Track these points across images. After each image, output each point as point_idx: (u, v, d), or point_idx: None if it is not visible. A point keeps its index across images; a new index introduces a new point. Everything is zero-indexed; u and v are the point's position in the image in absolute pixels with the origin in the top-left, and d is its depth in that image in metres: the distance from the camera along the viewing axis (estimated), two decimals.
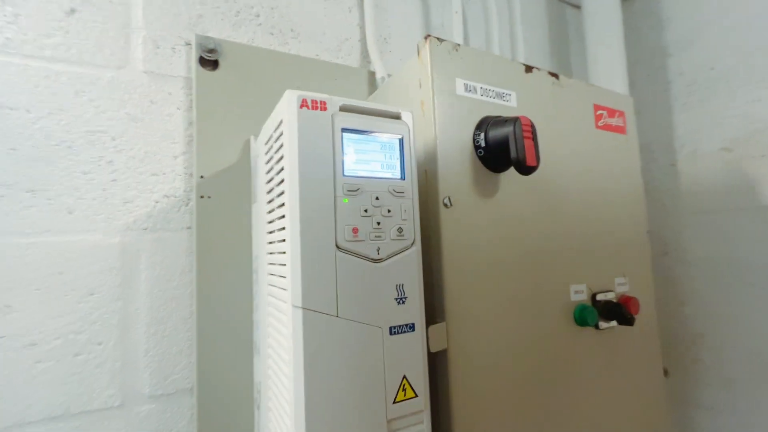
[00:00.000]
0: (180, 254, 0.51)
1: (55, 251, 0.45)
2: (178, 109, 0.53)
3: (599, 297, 0.54)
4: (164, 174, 0.52)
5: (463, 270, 0.43)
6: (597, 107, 0.60)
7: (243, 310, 0.52)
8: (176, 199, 0.52)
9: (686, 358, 0.86)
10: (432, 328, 0.40)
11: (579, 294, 0.52)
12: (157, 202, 0.51)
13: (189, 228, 0.52)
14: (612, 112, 0.62)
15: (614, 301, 0.55)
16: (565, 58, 0.98)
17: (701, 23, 0.85)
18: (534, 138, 0.43)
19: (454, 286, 0.42)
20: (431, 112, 0.44)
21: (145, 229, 0.50)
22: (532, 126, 0.43)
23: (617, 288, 0.57)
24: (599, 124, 0.60)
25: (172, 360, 0.50)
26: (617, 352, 0.56)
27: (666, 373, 0.74)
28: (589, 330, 0.53)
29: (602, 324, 0.53)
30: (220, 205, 0.53)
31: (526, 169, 0.42)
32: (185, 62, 0.54)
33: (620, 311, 0.53)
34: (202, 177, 0.52)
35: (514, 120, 0.43)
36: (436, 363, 0.41)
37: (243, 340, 0.51)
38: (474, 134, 0.46)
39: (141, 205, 0.50)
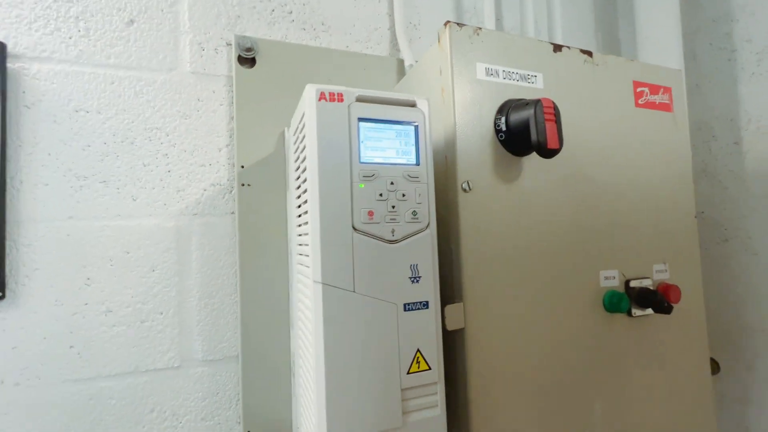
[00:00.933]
0: (225, 237, 0.57)
1: (123, 233, 0.53)
2: (221, 105, 0.59)
3: (633, 284, 0.52)
4: (210, 165, 0.58)
5: (482, 253, 0.44)
6: (637, 84, 0.56)
7: (281, 288, 0.57)
8: (221, 187, 0.58)
9: (746, 353, 0.80)
10: (449, 307, 0.41)
11: (610, 280, 0.51)
12: (204, 190, 0.57)
13: (232, 213, 0.58)
14: (655, 89, 0.58)
15: (650, 288, 0.53)
16: (612, 34, 0.92)
17: None
18: (557, 120, 0.42)
19: (472, 268, 0.43)
20: (451, 99, 0.44)
21: (195, 214, 0.56)
22: (555, 107, 0.42)
23: (655, 275, 0.54)
24: (640, 102, 0.56)
25: (221, 330, 0.56)
26: (654, 342, 0.54)
27: (717, 368, 0.69)
28: (621, 317, 0.51)
29: (635, 311, 0.51)
30: (259, 192, 0.58)
31: (547, 152, 0.42)
32: (226, 61, 0.59)
33: (656, 298, 0.50)
34: (242, 167, 0.57)
35: (536, 102, 0.42)
36: (455, 341, 0.43)
37: (281, 315, 0.57)
38: (495, 118, 0.46)
39: (191, 192, 0.56)
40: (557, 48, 0.51)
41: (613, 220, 0.52)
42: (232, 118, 0.59)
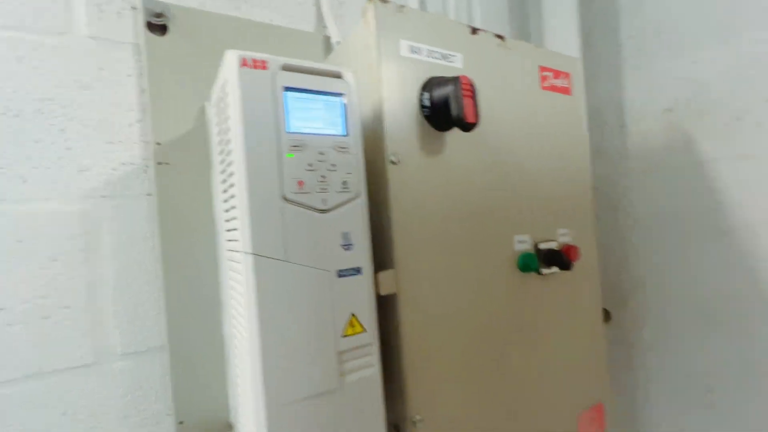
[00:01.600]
0: (141, 220, 0.53)
1: (12, 219, 0.46)
2: (129, 76, 0.53)
3: (542, 246, 0.59)
4: (120, 142, 0.52)
5: (410, 222, 0.46)
6: (542, 69, 0.63)
7: (208, 271, 0.54)
8: (134, 166, 0.53)
9: (629, 303, 0.95)
10: (382, 273, 0.43)
11: (522, 244, 0.57)
12: (114, 169, 0.52)
13: (149, 195, 0.53)
14: (557, 74, 0.65)
15: (555, 249, 0.60)
16: (524, 23, 1.00)
17: None
18: (474, 96, 0.46)
19: (402, 237, 0.46)
20: (378, 75, 0.46)
21: (105, 196, 0.51)
22: (472, 85, 0.46)
23: (559, 238, 0.62)
24: (544, 85, 0.63)
25: (141, 320, 0.52)
26: (560, 296, 0.62)
27: (608, 316, 0.82)
28: (533, 276, 0.58)
29: (544, 270, 0.59)
30: (179, 172, 0.54)
31: (466, 126, 0.45)
32: (132, 27, 0.54)
33: (560, 258, 0.58)
34: (158, 144, 0.53)
35: (455, 79, 0.45)
36: (388, 306, 0.45)
37: (210, 299, 0.54)
38: (420, 94, 0.48)
39: (98, 173, 0.51)
40: (474, 31, 0.55)
41: (524, 191, 0.58)
42: (144, 90, 0.54)
